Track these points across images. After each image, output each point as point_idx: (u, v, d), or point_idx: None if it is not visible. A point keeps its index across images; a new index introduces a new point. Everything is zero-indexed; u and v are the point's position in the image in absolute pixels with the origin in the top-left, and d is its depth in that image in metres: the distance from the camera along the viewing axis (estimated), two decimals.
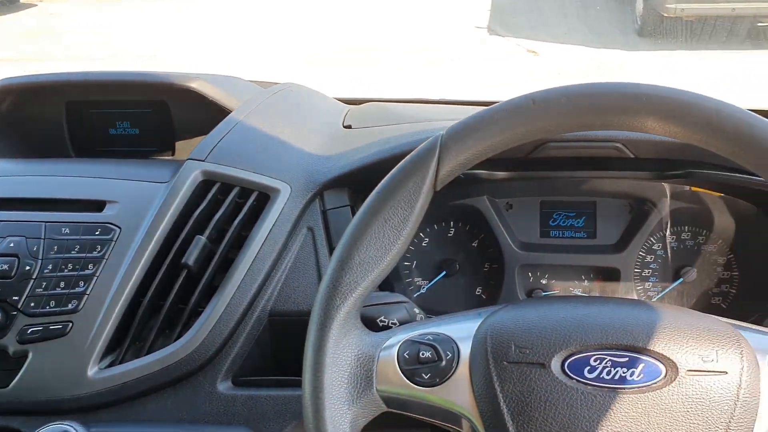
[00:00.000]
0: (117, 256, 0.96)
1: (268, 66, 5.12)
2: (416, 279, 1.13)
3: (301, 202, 1.00)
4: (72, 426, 0.85)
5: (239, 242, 0.98)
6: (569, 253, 1.09)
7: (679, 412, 0.63)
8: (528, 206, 1.11)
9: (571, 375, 0.65)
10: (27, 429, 0.93)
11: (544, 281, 1.11)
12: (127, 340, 0.95)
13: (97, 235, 0.98)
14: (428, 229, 1.13)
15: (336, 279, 0.68)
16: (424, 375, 0.68)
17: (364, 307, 0.82)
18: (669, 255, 1.08)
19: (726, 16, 5.52)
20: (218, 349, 0.95)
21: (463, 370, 0.68)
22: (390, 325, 0.81)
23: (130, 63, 5.32)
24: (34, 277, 0.95)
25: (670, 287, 1.09)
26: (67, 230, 0.98)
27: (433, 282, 1.13)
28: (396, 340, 0.70)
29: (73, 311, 0.94)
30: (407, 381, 0.68)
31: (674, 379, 0.64)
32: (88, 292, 0.94)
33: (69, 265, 0.96)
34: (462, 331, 0.70)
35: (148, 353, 0.95)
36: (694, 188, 1.05)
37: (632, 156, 0.99)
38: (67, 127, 1.27)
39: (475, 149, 0.68)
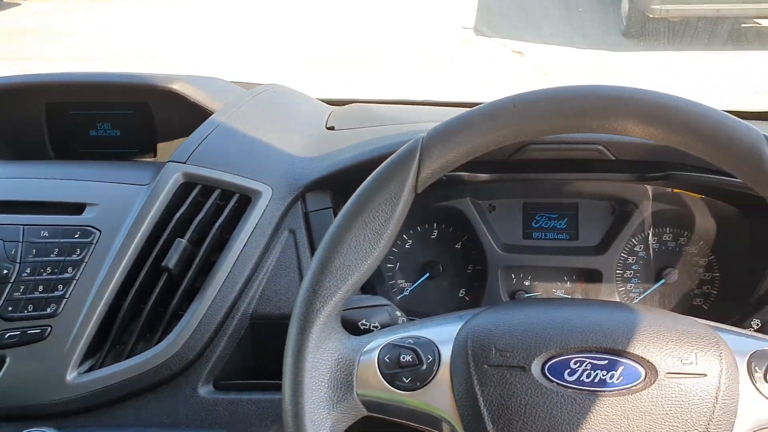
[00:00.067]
0: (97, 259, 0.95)
1: (268, 66, 5.11)
2: (399, 281, 1.13)
3: (283, 204, 1.00)
4: None
5: (220, 245, 0.98)
6: (552, 255, 1.09)
7: (658, 414, 0.63)
8: (511, 208, 1.11)
9: (552, 378, 0.65)
10: None
11: (527, 283, 1.11)
12: (106, 344, 0.95)
13: (76, 238, 0.97)
14: (411, 231, 1.13)
15: (316, 283, 0.68)
16: (404, 379, 0.68)
17: (345, 310, 0.81)
18: (650, 256, 1.09)
19: (709, 17, 5.57)
20: (199, 353, 0.94)
21: (443, 373, 0.68)
22: (371, 328, 0.81)
23: (130, 63, 5.30)
24: (11, 280, 0.94)
25: (652, 288, 1.09)
26: (46, 233, 0.97)
27: (416, 284, 1.12)
28: (376, 343, 0.70)
29: (52, 315, 0.93)
30: (387, 385, 0.68)
31: (653, 382, 0.64)
32: (67, 296, 0.93)
33: (48, 268, 0.95)
34: (443, 334, 0.70)
35: (128, 357, 0.94)
36: (675, 190, 1.06)
37: (613, 158, 1.00)
38: (47, 128, 1.25)
39: (456, 152, 0.68)
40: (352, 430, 0.70)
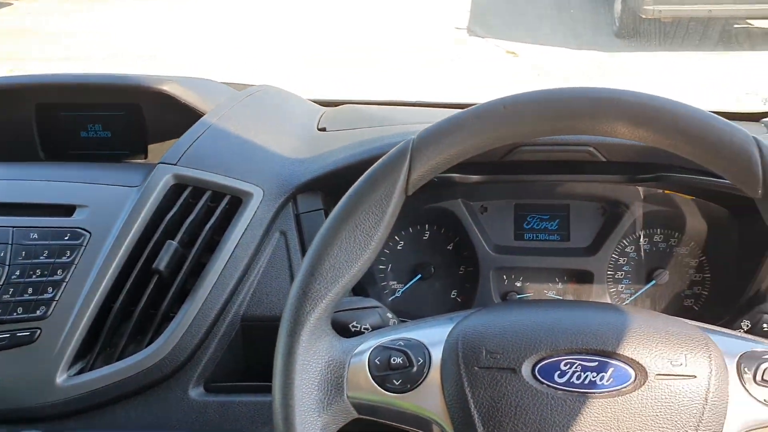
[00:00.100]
0: (87, 262, 0.95)
1: (268, 66, 5.11)
2: (391, 282, 1.13)
3: (274, 205, 1.00)
4: None
5: (211, 246, 0.97)
6: (543, 256, 1.09)
7: (648, 416, 0.63)
8: (502, 209, 1.11)
9: (542, 380, 0.65)
10: None
11: (518, 284, 1.11)
12: (97, 346, 0.94)
13: (66, 240, 0.96)
14: (403, 233, 1.13)
15: (306, 285, 0.68)
16: (395, 381, 0.68)
17: (336, 312, 0.81)
18: (641, 257, 1.09)
19: (700, 18, 5.59)
20: (190, 355, 0.94)
21: (434, 375, 0.68)
22: (362, 330, 0.81)
23: (130, 63, 5.30)
24: (0, 283, 0.93)
25: (643, 290, 1.09)
26: (36, 235, 0.96)
27: (408, 285, 1.12)
28: (367, 346, 0.70)
29: (42, 318, 0.92)
30: (378, 387, 0.68)
31: (643, 384, 0.64)
32: (56, 299, 0.93)
33: (37, 270, 0.94)
34: (434, 336, 0.70)
35: (118, 359, 0.94)
36: (666, 191, 1.06)
37: (604, 159, 1.00)
38: (37, 129, 1.25)
39: (447, 154, 0.68)
40: None
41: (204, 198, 0.99)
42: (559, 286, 1.10)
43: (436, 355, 0.68)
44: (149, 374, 0.93)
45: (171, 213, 0.98)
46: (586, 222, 1.10)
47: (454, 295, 1.13)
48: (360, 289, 1.08)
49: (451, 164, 0.69)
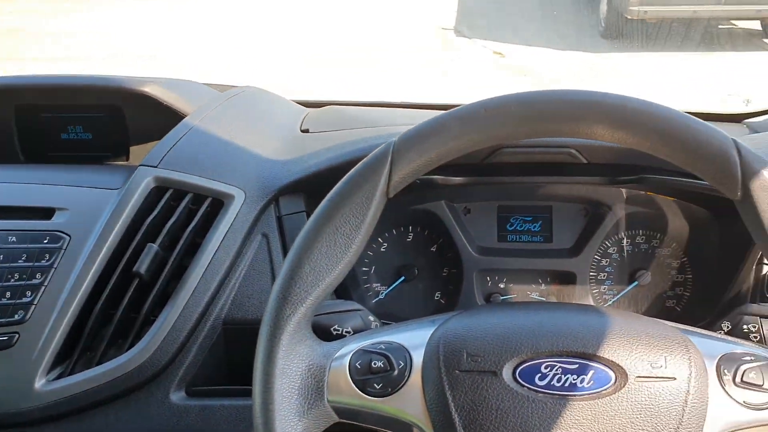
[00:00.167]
0: (66, 265, 0.94)
1: (268, 66, 5.10)
2: (375, 284, 1.12)
3: (256, 208, 0.99)
4: None
5: (193, 249, 0.97)
6: (526, 258, 1.09)
7: (628, 418, 0.63)
8: (486, 211, 1.11)
9: (523, 383, 0.65)
10: None
11: (502, 285, 1.11)
12: (76, 350, 0.93)
13: (45, 243, 0.95)
14: (387, 234, 1.12)
15: (286, 289, 0.67)
16: (375, 385, 0.67)
17: (317, 315, 0.81)
18: (624, 258, 1.09)
19: (683, 19, 5.64)
20: (171, 359, 0.93)
21: (415, 379, 0.67)
22: (344, 333, 0.81)
23: (130, 63, 5.27)
24: None
25: (625, 290, 1.10)
26: (14, 238, 0.95)
27: (391, 287, 1.12)
28: (348, 349, 0.70)
29: (20, 322, 0.91)
30: (359, 391, 0.67)
31: (624, 386, 0.64)
32: (35, 302, 0.92)
33: (15, 274, 0.93)
34: (415, 339, 0.70)
35: (98, 364, 0.93)
36: (648, 192, 1.06)
37: (585, 161, 1.00)
38: (17, 131, 1.24)
39: (428, 156, 0.68)
40: None
41: (185, 200, 0.98)
42: (543, 287, 1.11)
43: (417, 358, 0.68)
44: (130, 378, 0.92)
45: (152, 216, 0.97)
46: (568, 223, 1.10)
47: (437, 296, 1.13)
48: (343, 291, 1.08)
49: (432, 166, 0.69)
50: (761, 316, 0.91)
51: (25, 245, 0.95)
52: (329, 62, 5.29)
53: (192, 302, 0.94)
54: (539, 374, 0.65)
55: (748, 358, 0.67)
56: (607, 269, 1.10)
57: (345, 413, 0.68)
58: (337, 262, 0.68)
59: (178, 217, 0.97)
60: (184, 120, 1.11)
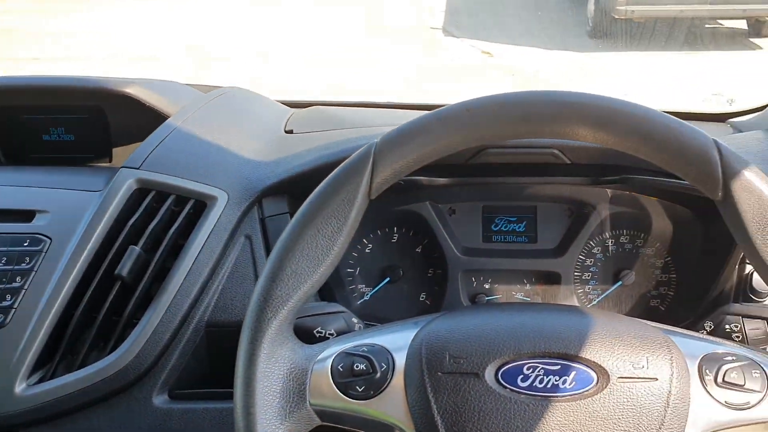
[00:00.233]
0: (47, 268, 0.93)
1: (268, 66, 5.08)
2: (359, 286, 1.12)
3: (239, 209, 0.99)
4: None
5: (175, 251, 0.96)
6: (511, 258, 1.09)
7: (610, 419, 0.63)
8: (470, 211, 1.11)
9: (505, 384, 0.65)
10: None
11: (487, 286, 1.11)
12: (58, 354, 0.92)
13: (25, 246, 0.94)
14: (371, 235, 1.12)
15: (267, 291, 0.67)
16: (358, 388, 0.67)
17: (300, 318, 0.81)
18: (608, 258, 1.10)
19: (667, 19, 5.67)
20: (154, 362, 0.93)
21: (397, 381, 0.67)
22: (327, 336, 0.80)
23: (131, 63, 5.23)
24: None
25: (610, 290, 1.10)
26: None
27: (376, 288, 1.12)
28: (330, 352, 0.69)
29: None
30: (341, 394, 0.67)
31: (606, 387, 0.64)
32: (15, 306, 0.91)
33: None
34: (397, 341, 0.70)
35: (80, 367, 0.92)
36: (631, 192, 1.07)
37: (569, 162, 1.00)
38: None
39: (410, 157, 0.68)
40: None
41: (167, 202, 0.98)
42: (528, 287, 1.11)
43: (400, 360, 0.68)
44: (112, 382, 0.91)
45: (134, 218, 0.96)
46: (553, 224, 1.10)
47: (423, 297, 1.12)
48: (328, 292, 1.07)
49: (415, 167, 0.68)
50: (743, 316, 0.91)
51: (5, 248, 0.94)
52: (329, 62, 5.29)
53: (175, 305, 0.93)
54: (521, 375, 0.65)
55: (729, 358, 0.67)
56: (591, 269, 1.10)
57: (327, 416, 0.68)
58: (318, 264, 0.67)
59: (161, 219, 0.97)
60: (166, 121, 1.10)
